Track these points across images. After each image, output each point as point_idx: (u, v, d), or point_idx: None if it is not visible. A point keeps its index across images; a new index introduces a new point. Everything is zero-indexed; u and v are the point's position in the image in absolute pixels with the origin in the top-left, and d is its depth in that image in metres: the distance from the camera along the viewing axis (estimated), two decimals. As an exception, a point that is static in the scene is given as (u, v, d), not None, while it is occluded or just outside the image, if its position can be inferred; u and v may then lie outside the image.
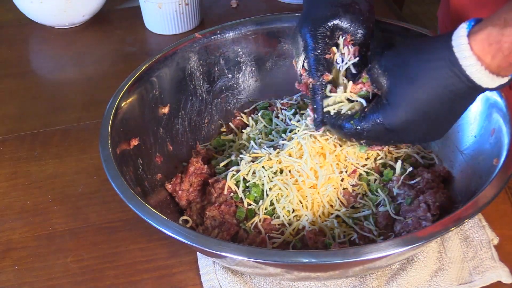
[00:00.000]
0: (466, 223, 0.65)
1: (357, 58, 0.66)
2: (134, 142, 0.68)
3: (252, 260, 0.51)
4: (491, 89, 0.54)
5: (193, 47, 0.78)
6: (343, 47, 0.67)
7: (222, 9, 1.14)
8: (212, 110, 0.80)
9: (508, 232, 0.67)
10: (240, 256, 0.51)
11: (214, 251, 0.52)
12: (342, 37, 0.67)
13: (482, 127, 0.65)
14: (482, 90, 0.54)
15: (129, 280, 0.66)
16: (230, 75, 0.82)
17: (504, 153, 0.58)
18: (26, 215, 0.74)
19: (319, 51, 0.67)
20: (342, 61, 0.66)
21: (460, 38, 0.53)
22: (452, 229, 0.52)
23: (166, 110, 0.75)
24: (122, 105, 0.68)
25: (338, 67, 0.67)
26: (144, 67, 0.73)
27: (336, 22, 0.67)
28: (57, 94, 0.96)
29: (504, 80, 0.54)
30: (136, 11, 1.10)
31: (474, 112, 0.66)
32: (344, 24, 0.67)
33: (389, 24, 0.77)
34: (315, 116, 0.66)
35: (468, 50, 0.52)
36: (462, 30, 0.53)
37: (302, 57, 0.68)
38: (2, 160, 0.83)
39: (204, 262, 0.66)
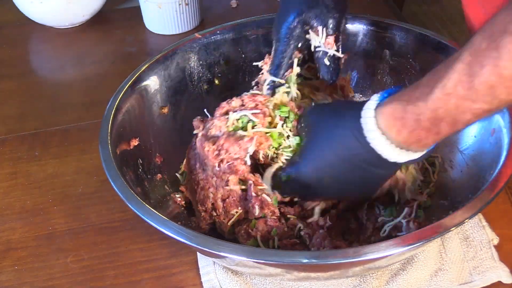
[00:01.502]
0: (466, 223, 0.65)
1: (335, 49, 0.68)
2: (134, 142, 0.68)
3: (251, 260, 0.51)
4: (403, 163, 0.55)
5: (193, 47, 0.78)
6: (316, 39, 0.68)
7: (222, 9, 1.14)
8: (212, 110, 0.80)
9: (508, 232, 0.67)
10: (240, 256, 0.51)
11: (214, 251, 0.52)
12: (311, 30, 0.68)
13: (482, 127, 0.65)
14: (393, 163, 0.55)
15: (129, 280, 0.66)
16: (230, 75, 0.82)
17: (504, 153, 0.58)
18: (26, 215, 0.74)
19: (284, 53, 0.70)
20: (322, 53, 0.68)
21: (368, 111, 0.54)
22: (452, 229, 0.52)
23: (166, 110, 0.75)
24: (122, 105, 0.68)
25: (318, 57, 0.69)
26: (144, 67, 0.73)
27: (301, 18, 0.68)
28: (57, 94, 0.96)
29: (416, 155, 0.54)
30: (136, 11, 1.10)
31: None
32: (311, 19, 0.68)
33: (389, 24, 0.77)
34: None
35: (373, 124, 0.53)
36: (372, 103, 0.54)
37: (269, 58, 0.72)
38: (2, 160, 0.83)
39: (204, 262, 0.66)
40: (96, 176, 0.79)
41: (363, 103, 0.56)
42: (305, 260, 0.50)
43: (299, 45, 0.70)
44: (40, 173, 0.80)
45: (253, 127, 0.65)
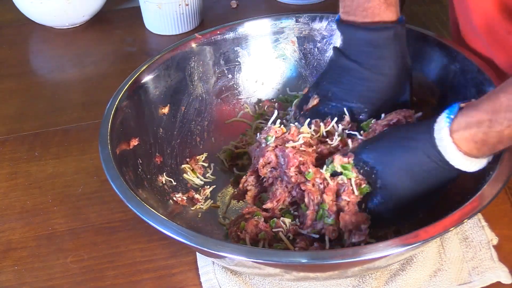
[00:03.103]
0: (465, 223, 0.65)
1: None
2: (134, 142, 0.68)
3: (251, 260, 0.51)
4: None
5: (193, 47, 0.78)
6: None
7: (222, 9, 1.14)
8: (212, 110, 0.80)
9: (508, 232, 0.67)
10: (239, 256, 0.51)
11: (213, 251, 0.52)
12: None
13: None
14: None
15: (129, 280, 0.66)
16: (230, 75, 0.82)
17: (504, 153, 0.58)
18: (26, 215, 0.74)
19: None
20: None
21: (443, 138, 0.55)
22: (452, 229, 0.52)
23: (166, 110, 0.75)
24: (122, 105, 0.69)
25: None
26: (144, 67, 0.73)
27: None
28: (57, 94, 0.96)
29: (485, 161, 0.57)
30: (136, 11, 1.10)
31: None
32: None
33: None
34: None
35: (454, 150, 0.55)
36: (444, 129, 0.55)
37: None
38: (2, 160, 0.83)
39: (203, 262, 0.66)
40: (96, 176, 0.79)
41: (427, 126, 0.57)
42: (304, 260, 0.50)
43: None
44: (40, 173, 0.80)
45: None
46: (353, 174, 0.61)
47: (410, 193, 0.59)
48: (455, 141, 0.54)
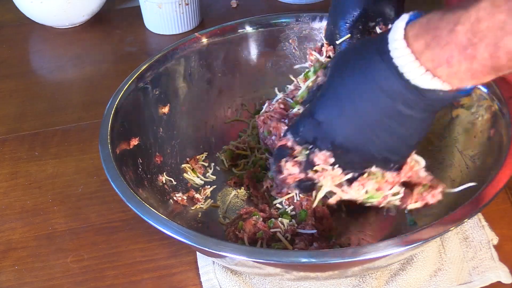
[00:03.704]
0: (465, 223, 0.65)
1: None
2: (134, 142, 0.68)
3: (251, 260, 0.51)
4: (443, 100, 0.46)
5: (193, 47, 0.78)
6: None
7: (222, 9, 1.14)
8: (212, 110, 0.80)
9: (508, 232, 0.67)
10: (239, 256, 0.51)
11: (214, 251, 0.52)
12: (377, 26, 0.64)
13: (481, 127, 0.65)
14: (424, 98, 0.46)
15: (129, 280, 0.66)
16: (230, 75, 0.82)
17: (504, 153, 0.58)
18: (26, 215, 0.74)
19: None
20: None
21: (396, 27, 0.46)
22: (452, 229, 0.52)
23: (166, 110, 0.75)
24: (122, 105, 0.68)
25: None
26: (144, 67, 0.73)
27: (365, 14, 0.63)
28: (57, 94, 0.96)
29: (445, 86, 0.45)
30: (136, 11, 1.10)
31: (474, 112, 0.66)
32: (375, 15, 0.63)
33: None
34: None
35: (400, 36, 0.45)
36: (400, 22, 0.46)
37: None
38: (2, 160, 0.83)
39: (204, 262, 0.66)
40: (96, 176, 0.79)
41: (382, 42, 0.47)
42: (305, 260, 0.50)
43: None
44: (40, 173, 0.80)
45: None
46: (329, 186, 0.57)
47: (351, 103, 0.49)
48: (407, 28, 0.45)
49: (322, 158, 0.52)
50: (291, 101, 0.67)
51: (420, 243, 0.51)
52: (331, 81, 0.52)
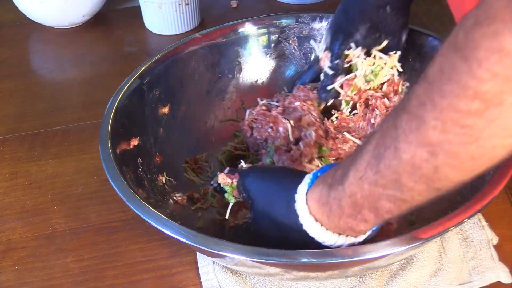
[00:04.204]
0: (465, 223, 0.65)
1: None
2: (134, 142, 0.68)
3: (251, 259, 0.51)
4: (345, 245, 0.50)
5: (193, 47, 0.78)
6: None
7: (222, 9, 1.14)
8: (212, 110, 0.80)
9: (508, 232, 0.67)
10: (240, 256, 0.51)
11: (214, 251, 0.52)
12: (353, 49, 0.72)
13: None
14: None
15: (129, 280, 0.66)
16: (230, 75, 0.82)
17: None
18: (26, 215, 0.74)
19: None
20: None
21: (300, 196, 0.50)
22: (452, 229, 0.52)
23: (166, 110, 0.75)
24: (122, 105, 0.69)
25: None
26: (144, 67, 0.73)
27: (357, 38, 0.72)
28: (57, 94, 0.96)
29: (359, 239, 0.50)
30: (136, 11, 1.10)
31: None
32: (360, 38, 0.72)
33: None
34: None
35: (305, 211, 0.49)
36: (303, 187, 0.50)
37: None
38: (2, 160, 0.83)
39: (204, 262, 0.66)
40: (96, 176, 0.79)
41: (299, 181, 0.51)
42: (304, 260, 0.50)
43: None
44: (40, 173, 0.80)
45: None
46: (232, 199, 0.60)
47: (276, 239, 0.54)
48: (307, 200, 0.49)
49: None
50: (276, 104, 0.73)
51: (420, 243, 0.51)
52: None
